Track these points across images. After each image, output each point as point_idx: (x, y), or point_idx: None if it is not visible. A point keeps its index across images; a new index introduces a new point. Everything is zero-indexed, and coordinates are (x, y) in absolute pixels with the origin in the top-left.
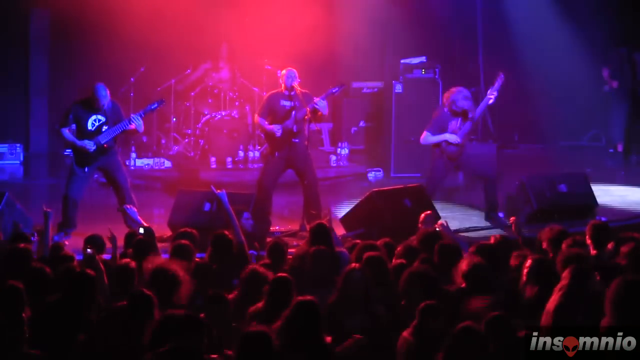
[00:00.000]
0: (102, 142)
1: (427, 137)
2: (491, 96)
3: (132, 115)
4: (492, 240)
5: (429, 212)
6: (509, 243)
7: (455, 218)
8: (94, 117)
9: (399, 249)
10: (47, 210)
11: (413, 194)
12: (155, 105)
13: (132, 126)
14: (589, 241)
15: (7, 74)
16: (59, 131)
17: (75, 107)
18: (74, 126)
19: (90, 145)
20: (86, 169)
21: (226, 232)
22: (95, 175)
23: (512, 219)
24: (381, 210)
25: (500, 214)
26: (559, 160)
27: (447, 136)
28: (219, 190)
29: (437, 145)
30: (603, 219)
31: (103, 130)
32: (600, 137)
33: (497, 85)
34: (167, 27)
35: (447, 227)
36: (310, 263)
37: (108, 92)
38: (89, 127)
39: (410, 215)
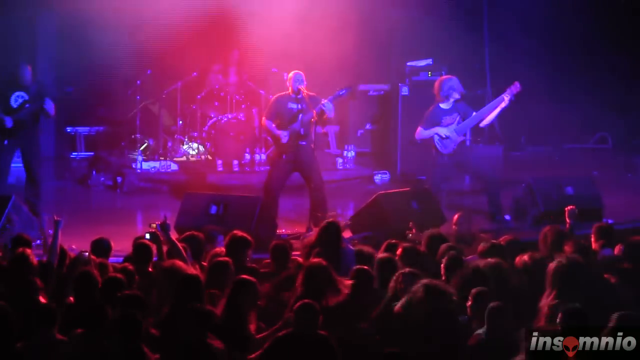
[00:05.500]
0: (22, 118)
1: (420, 132)
2: (506, 97)
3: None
4: (501, 241)
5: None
6: (518, 244)
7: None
8: (17, 93)
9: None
10: (58, 219)
11: (420, 196)
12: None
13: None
14: (595, 244)
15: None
16: None
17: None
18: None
19: (8, 120)
20: (5, 142)
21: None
22: (102, 179)
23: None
24: (388, 213)
25: (507, 216)
26: (565, 162)
27: (438, 129)
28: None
29: (433, 144)
30: (610, 221)
31: (26, 107)
32: (607, 139)
33: (509, 91)
34: (173, 31)
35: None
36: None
37: (30, 73)
38: (12, 104)
39: (417, 217)
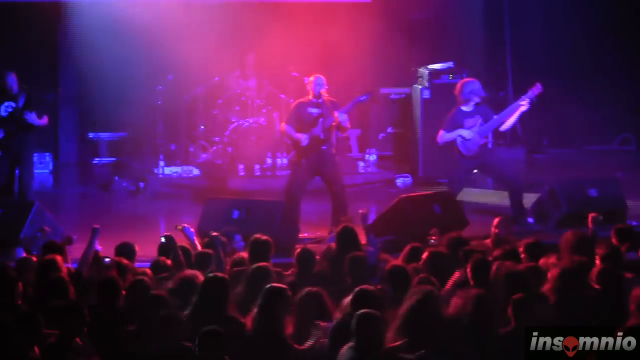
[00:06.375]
0: (12, 129)
1: (443, 136)
2: (523, 103)
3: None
4: (521, 246)
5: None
6: (540, 247)
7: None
8: (6, 103)
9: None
10: (96, 227)
11: (442, 200)
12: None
13: (40, 120)
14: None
15: (36, 83)
16: None
17: None
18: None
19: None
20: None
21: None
22: (124, 184)
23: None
24: (410, 217)
25: (530, 219)
26: (589, 164)
27: (461, 131)
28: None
29: (455, 146)
30: (634, 223)
31: (15, 117)
32: (631, 140)
33: (530, 93)
34: (195, 36)
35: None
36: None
37: (16, 81)
38: (2, 113)
39: (440, 221)
